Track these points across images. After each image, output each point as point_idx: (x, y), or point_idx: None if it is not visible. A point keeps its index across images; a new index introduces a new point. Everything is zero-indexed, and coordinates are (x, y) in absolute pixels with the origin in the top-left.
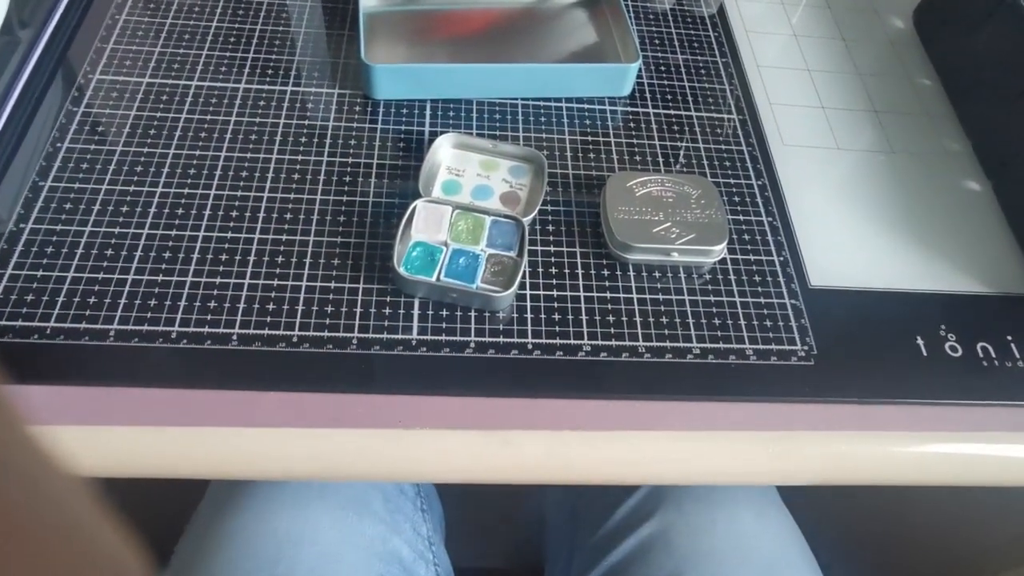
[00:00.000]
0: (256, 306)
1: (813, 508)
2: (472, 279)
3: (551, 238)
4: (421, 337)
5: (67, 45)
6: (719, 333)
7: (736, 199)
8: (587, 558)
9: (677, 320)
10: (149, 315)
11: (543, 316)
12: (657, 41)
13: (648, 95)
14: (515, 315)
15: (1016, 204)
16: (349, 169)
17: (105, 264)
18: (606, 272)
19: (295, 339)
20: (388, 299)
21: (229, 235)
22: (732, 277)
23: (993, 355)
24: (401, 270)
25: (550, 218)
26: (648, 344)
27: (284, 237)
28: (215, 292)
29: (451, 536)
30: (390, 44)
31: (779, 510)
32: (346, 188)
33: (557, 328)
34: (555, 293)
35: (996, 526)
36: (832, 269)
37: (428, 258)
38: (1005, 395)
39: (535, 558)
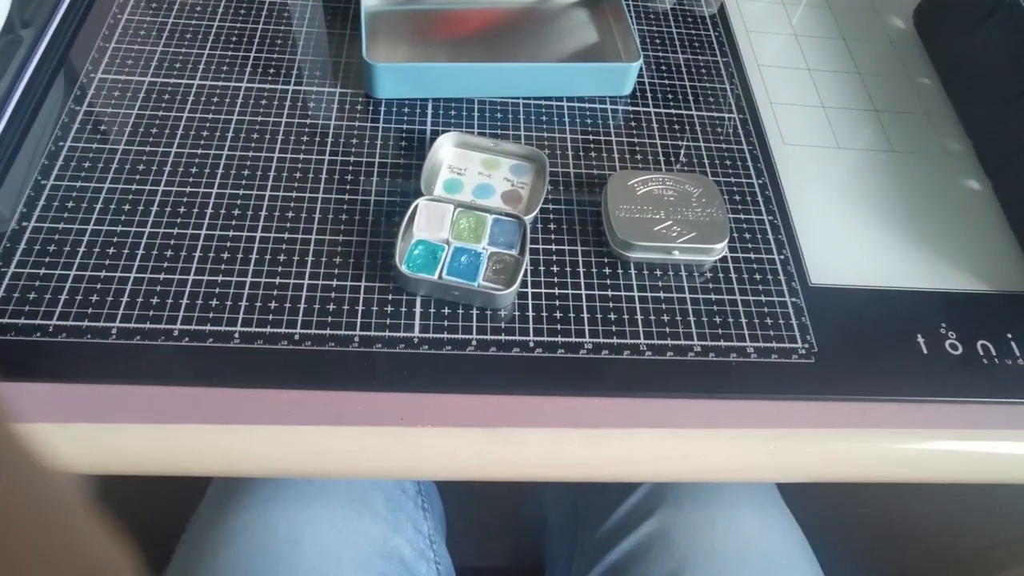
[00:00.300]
0: (258, 304)
1: (813, 507)
2: (474, 277)
3: (552, 236)
4: (423, 335)
5: (69, 44)
6: (720, 331)
7: (737, 198)
8: (588, 556)
9: (678, 318)
10: (151, 313)
11: (545, 314)
12: (658, 40)
13: (649, 94)
14: (517, 313)
15: (1016, 203)
16: (351, 168)
17: (107, 262)
18: (607, 270)
19: (297, 337)
20: (390, 297)
21: (231, 234)
22: (733, 275)
23: (993, 353)
24: (403, 268)
25: (551, 216)
26: (649, 342)
27: (286, 236)
28: (217, 290)
29: (452, 535)
30: (391, 43)
31: (779, 509)
32: (348, 187)
33: (559, 326)
34: (556, 291)
35: (997, 524)
36: (832, 267)
37: (430, 256)
38: (1005, 393)
39: (536, 556)
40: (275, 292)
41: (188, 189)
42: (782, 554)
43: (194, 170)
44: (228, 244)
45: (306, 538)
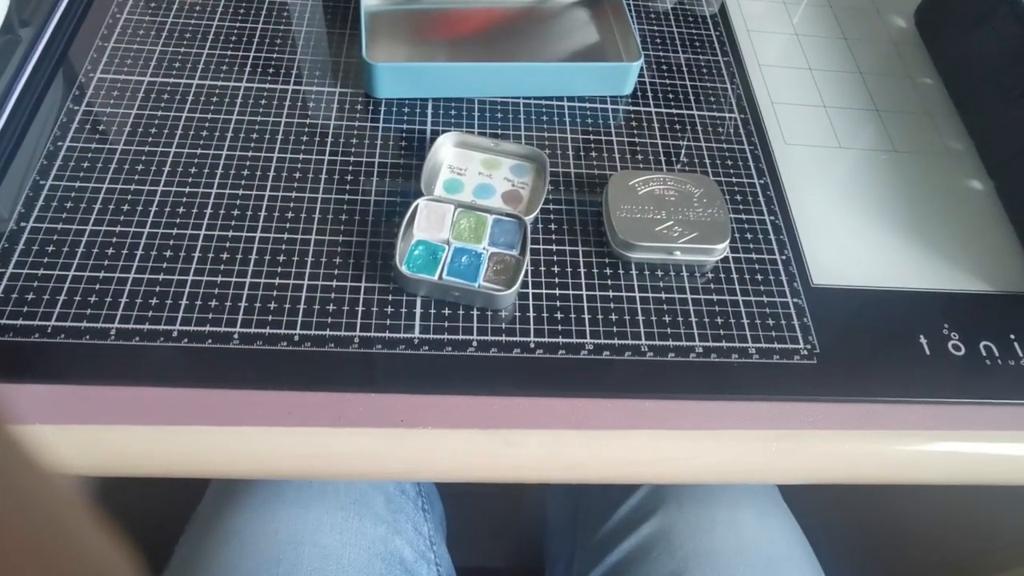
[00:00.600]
0: (257, 305)
1: (814, 508)
2: (474, 278)
3: (553, 237)
4: (423, 336)
5: (68, 44)
6: (722, 332)
7: (738, 198)
8: (588, 557)
9: (680, 319)
10: (150, 314)
11: (545, 315)
12: (659, 40)
13: (650, 94)
14: (517, 314)
15: (1018, 203)
16: (351, 168)
17: (106, 263)
18: (608, 271)
19: (296, 338)
20: (390, 298)
21: (230, 234)
22: (734, 276)
23: (996, 354)
24: (403, 269)
25: (552, 217)
26: (651, 343)
27: (286, 236)
28: (216, 291)
29: (452, 536)
30: (391, 43)
31: (780, 510)
32: (348, 187)
33: (560, 327)
34: (557, 292)
35: (997, 525)
36: (834, 268)
37: (430, 257)
38: (1008, 394)
39: (536, 557)
40: (275, 293)
41: (187, 189)
42: (783, 554)
43: (193, 170)
44: (227, 244)
45: (306, 539)
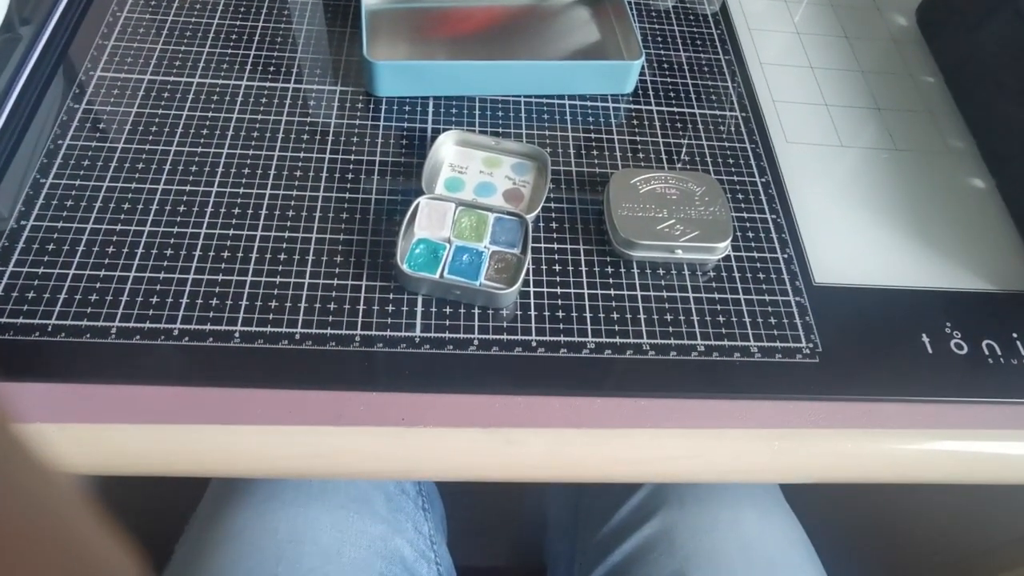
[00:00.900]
0: (258, 303)
1: (816, 507)
2: (476, 276)
3: (554, 235)
4: (424, 334)
5: (68, 42)
6: (723, 330)
7: (740, 196)
8: (590, 557)
9: (681, 317)
10: (151, 313)
11: (547, 314)
12: (660, 38)
13: (651, 92)
14: (519, 312)
15: (1020, 201)
16: (351, 166)
17: (107, 261)
18: (610, 269)
19: (298, 336)
20: (391, 296)
21: (231, 232)
22: (736, 274)
23: (999, 352)
24: (404, 267)
25: (553, 215)
26: (652, 341)
27: (286, 234)
28: (217, 290)
29: (452, 535)
30: (392, 41)
31: (782, 509)
32: (348, 185)
33: (561, 326)
34: (559, 290)
35: (999, 524)
36: (836, 266)
37: (431, 255)
38: (1010, 393)
39: (537, 557)
40: (275, 291)
41: (188, 188)
42: (785, 554)
43: (194, 169)
44: (228, 243)
45: (306, 538)
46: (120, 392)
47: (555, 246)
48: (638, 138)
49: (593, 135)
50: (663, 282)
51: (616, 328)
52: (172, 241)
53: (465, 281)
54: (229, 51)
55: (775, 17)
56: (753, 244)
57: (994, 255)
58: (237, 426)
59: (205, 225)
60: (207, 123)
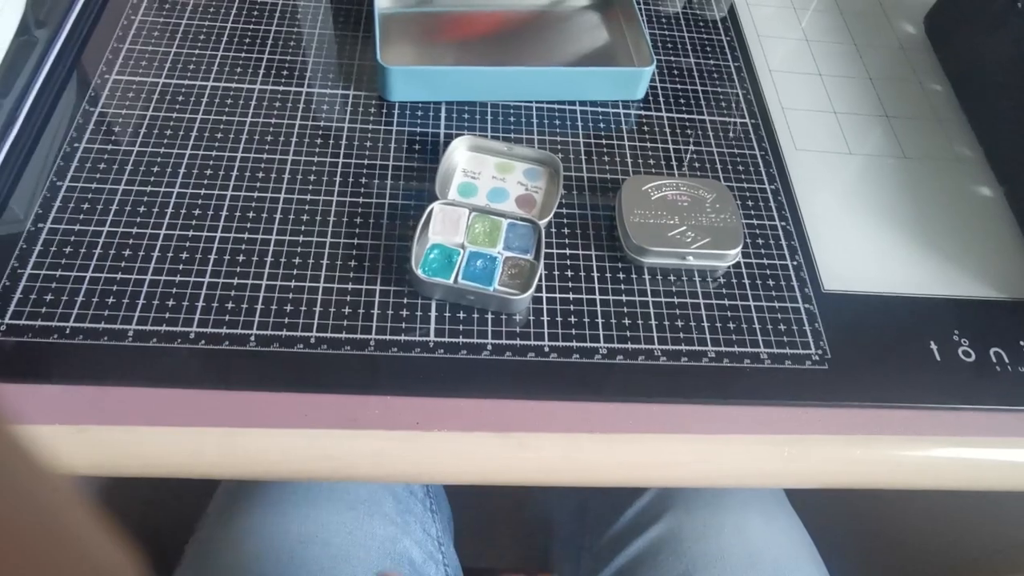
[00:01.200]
0: (274, 307)
1: (821, 512)
2: (489, 281)
3: (567, 241)
4: (438, 339)
5: (83, 45)
6: (734, 337)
7: (749, 203)
8: (596, 559)
9: (692, 323)
10: (167, 316)
11: (559, 319)
12: (670, 45)
13: (661, 98)
14: (531, 318)
15: None
16: (365, 171)
17: (123, 264)
18: (622, 275)
19: (313, 340)
20: (405, 301)
21: (246, 236)
22: (746, 281)
23: (1006, 360)
24: (419, 272)
25: (565, 221)
26: (664, 347)
27: (301, 238)
28: (233, 293)
29: (458, 536)
30: (403, 46)
31: (787, 513)
32: (362, 190)
33: (573, 331)
34: (571, 296)
35: (1002, 529)
36: (845, 273)
37: (445, 260)
38: (1018, 400)
39: (543, 558)
40: (290, 295)
41: (203, 191)
42: (790, 558)
43: (208, 172)
44: (243, 247)
45: (316, 539)
46: (137, 394)
47: (567, 252)
48: (648, 144)
49: (604, 141)
50: (674, 288)
51: (628, 334)
52: (188, 244)
53: (479, 286)
54: (243, 55)
55: (784, 24)
56: (763, 251)
57: (1002, 263)
58: (253, 429)
59: (220, 229)
60: (221, 127)
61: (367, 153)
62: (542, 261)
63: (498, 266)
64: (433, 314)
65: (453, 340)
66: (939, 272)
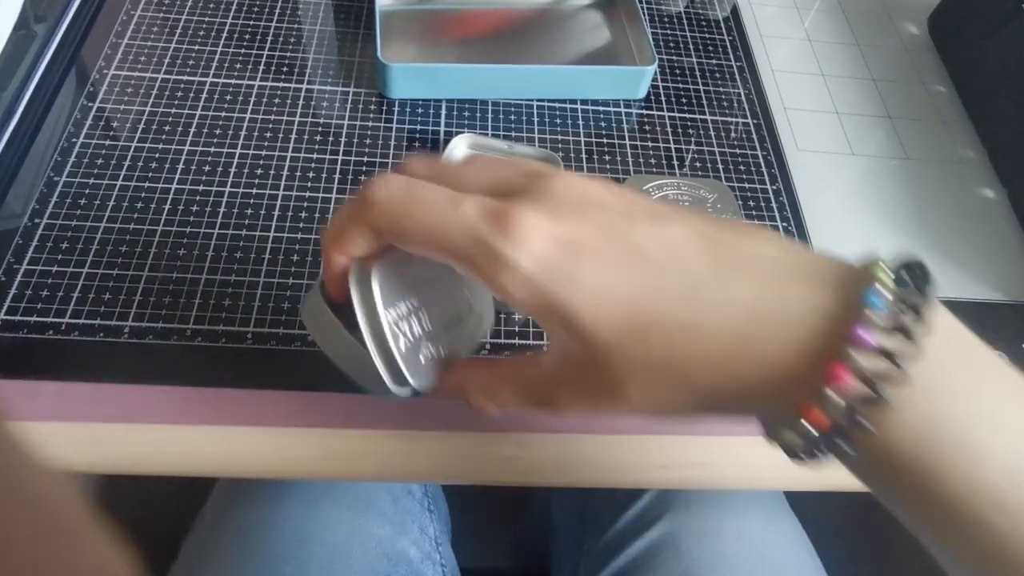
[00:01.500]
0: (271, 305)
1: (820, 515)
2: None
3: None
4: None
5: (82, 40)
6: None
7: (751, 203)
8: (594, 560)
9: None
10: (164, 312)
11: None
12: (672, 44)
13: (663, 98)
14: (530, 317)
15: None
16: (364, 168)
17: (120, 260)
18: None
19: (309, 338)
20: None
21: (244, 233)
22: None
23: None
24: None
25: None
26: None
27: (299, 236)
28: (230, 290)
29: (456, 536)
30: (404, 43)
31: (787, 516)
32: (361, 187)
33: None
34: None
35: None
36: None
37: None
38: None
39: (541, 559)
40: (288, 292)
41: (201, 187)
42: (790, 560)
43: (207, 168)
44: (241, 243)
45: (313, 538)
46: (133, 392)
47: None
48: (649, 143)
49: (605, 140)
50: None
51: None
52: (185, 241)
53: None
54: (242, 51)
55: (786, 24)
56: None
57: (1004, 265)
58: (249, 427)
59: (218, 225)
60: (220, 123)
61: (367, 150)
62: None
63: None
64: None
65: None
66: (942, 274)
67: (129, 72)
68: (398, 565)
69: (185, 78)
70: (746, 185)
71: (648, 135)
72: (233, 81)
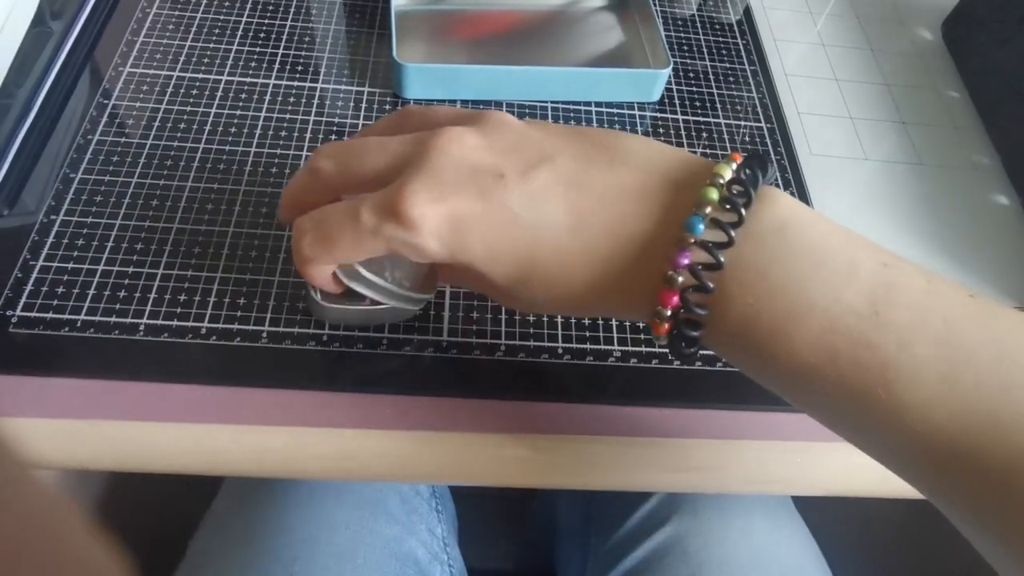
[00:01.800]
0: (286, 304)
1: (827, 518)
2: None
3: None
4: (452, 339)
5: (97, 37)
6: None
7: None
8: (601, 562)
9: None
10: (179, 311)
11: (573, 321)
12: (684, 47)
13: (676, 101)
14: (545, 319)
15: None
16: None
17: (135, 258)
18: None
19: (325, 338)
20: None
21: (259, 231)
22: None
23: None
24: None
25: None
26: None
27: None
28: (245, 289)
29: (463, 537)
30: (417, 43)
31: (794, 519)
32: None
33: (587, 333)
34: None
35: None
36: None
37: None
38: None
39: (547, 560)
40: (303, 292)
41: (216, 185)
42: (797, 563)
43: (222, 166)
44: (256, 242)
45: (321, 538)
46: (148, 390)
47: None
48: None
49: None
50: None
51: (642, 337)
52: (200, 239)
53: None
54: (257, 50)
55: (799, 27)
56: None
57: (1017, 272)
58: (264, 426)
59: (233, 223)
60: (235, 121)
61: None
62: None
63: None
64: (446, 313)
65: (467, 340)
66: (954, 280)
67: (144, 70)
68: (406, 565)
69: (200, 76)
70: None
71: (661, 138)
72: (248, 79)
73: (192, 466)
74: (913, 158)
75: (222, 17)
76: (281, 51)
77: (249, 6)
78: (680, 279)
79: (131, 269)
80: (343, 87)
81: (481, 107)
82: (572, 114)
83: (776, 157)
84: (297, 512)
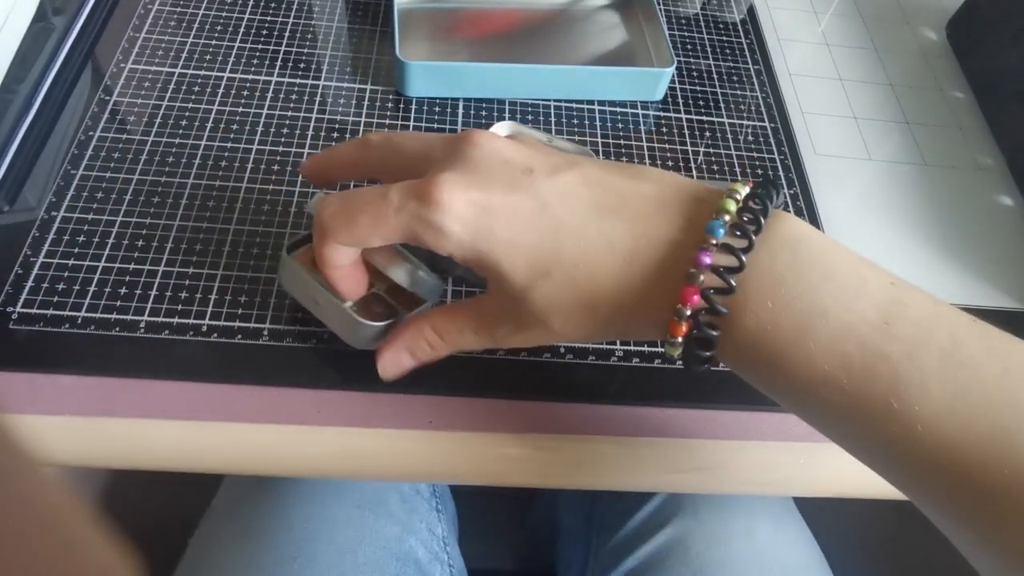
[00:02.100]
0: (287, 302)
1: (828, 519)
2: None
3: None
4: None
5: (99, 33)
6: None
7: None
8: (602, 563)
9: None
10: (180, 308)
11: None
12: (688, 46)
13: (680, 100)
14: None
15: None
16: None
17: (136, 255)
18: None
19: (326, 336)
20: None
21: (260, 229)
22: None
23: None
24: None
25: None
26: None
27: None
28: (246, 286)
29: (464, 537)
30: (420, 41)
31: (796, 520)
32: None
33: None
34: None
35: None
36: None
37: None
38: None
39: (548, 561)
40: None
41: (217, 183)
42: (798, 564)
43: (223, 163)
44: (257, 240)
45: (321, 537)
46: (149, 387)
47: None
48: (667, 146)
49: (622, 141)
50: None
51: None
52: (201, 236)
53: None
54: (259, 47)
55: (803, 27)
56: None
57: (1021, 273)
58: (265, 424)
59: (234, 221)
60: (236, 118)
61: None
62: None
63: None
64: None
65: None
66: (958, 281)
67: (146, 66)
68: (406, 565)
69: (202, 73)
70: None
71: (665, 137)
72: (250, 77)
73: (192, 464)
74: (917, 158)
75: (224, 14)
76: (283, 48)
77: (251, 3)
78: (702, 277)
79: (132, 266)
80: (345, 85)
81: (485, 105)
82: (575, 112)
83: (780, 157)
84: (297, 510)
